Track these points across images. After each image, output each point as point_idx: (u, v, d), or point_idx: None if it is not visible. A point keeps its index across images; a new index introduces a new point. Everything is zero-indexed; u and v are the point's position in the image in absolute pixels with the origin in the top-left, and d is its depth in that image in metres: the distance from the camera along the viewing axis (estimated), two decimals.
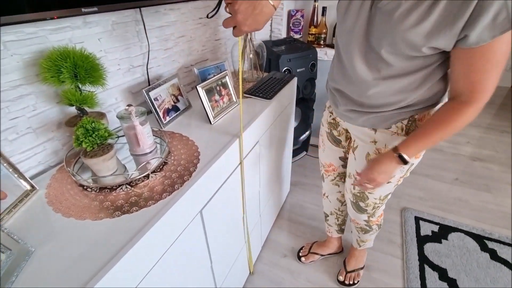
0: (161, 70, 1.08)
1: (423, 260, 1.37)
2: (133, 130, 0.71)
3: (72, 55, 0.65)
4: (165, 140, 0.82)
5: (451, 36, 0.57)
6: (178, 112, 0.99)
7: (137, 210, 0.61)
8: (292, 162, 2.07)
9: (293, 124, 1.52)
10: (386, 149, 0.81)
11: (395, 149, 0.74)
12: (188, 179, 0.69)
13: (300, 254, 1.41)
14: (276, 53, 1.57)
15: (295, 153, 2.08)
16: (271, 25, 1.95)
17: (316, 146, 2.41)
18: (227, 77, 1.03)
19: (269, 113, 1.10)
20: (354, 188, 0.98)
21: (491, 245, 1.44)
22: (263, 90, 1.16)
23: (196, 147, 0.82)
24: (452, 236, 1.50)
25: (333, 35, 1.91)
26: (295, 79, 1.36)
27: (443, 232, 1.53)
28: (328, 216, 1.30)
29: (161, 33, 1.03)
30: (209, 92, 0.94)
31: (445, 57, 0.65)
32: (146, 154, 0.76)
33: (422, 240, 1.47)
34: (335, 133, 1.00)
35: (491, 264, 1.35)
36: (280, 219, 1.65)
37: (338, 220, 1.28)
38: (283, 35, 1.97)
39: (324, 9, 1.82)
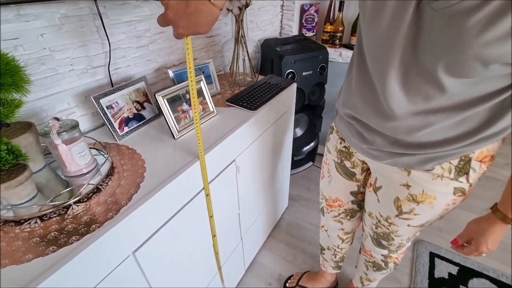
0: (132, 71, 0.95)
1: None
2: (57, 150, 0.58)
3: None
4: (109, 159, 0.69)
5: None
6: (142, 122, 0.86)
7: (53, 251, 0.48)
8: (295, 174, 1.89)
9: (291, 134, 1.34)
10: (425, 195, 0.61)
11: (503, 218, 0.56)
12: (112, 217, 0.55)
13: (287, 285, 1.24)
14: (279, 53, 1.38)
15: (299, 164, 1.89)
16: (281, 21, 1.75)
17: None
18: (201, 82, 0.87)
19: (252, 126, 0.93)
20: (377, 228, 0.79)
21: None
22: (250, 98, 0.99)
23: (144, 169, 0.68)
24: (474, 282, 1.25)
25: (351, 34, 1.67)
26: (294, 85, 1.17)
27: (463, 276, 1.27)
28: (324, 250, 1.12)
29: (130, 28, 0.89)
30: (175, 101, 0.80)
31: None
32: (78, 176, 0.64)
33: (435, 284, 1.24)
34: (347, 164, 0.79)
35: None
36: (272, 239, 1.49)
37: (335, 257, 1.10)
38: (295, 32, 1.76)
39: (341, 3, 1.59)
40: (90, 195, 0.61)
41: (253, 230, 1.24)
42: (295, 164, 1.85)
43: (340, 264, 1.13)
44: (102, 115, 0.75)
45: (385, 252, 0.85)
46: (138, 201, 0.59)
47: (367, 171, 0.79)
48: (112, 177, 0.66)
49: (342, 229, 0.97)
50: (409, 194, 0.63)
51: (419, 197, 0.61)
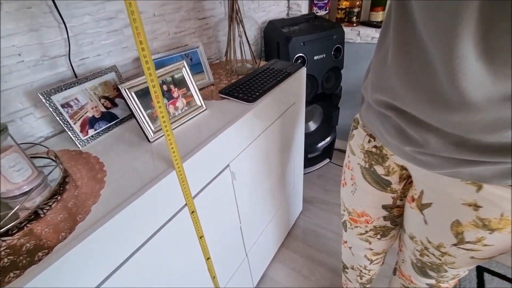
0: (105, 62, 0.79)
1: None
2: None
3: None
4: (60, 173, 0.54)
5: None
6: (114, 122, 0.70)
7: None
8: (310, 173, 1.69)
9: (302, 128, 1.14)
10: (504, 221, 0.40)
11: None
12: (41, 257, 0.39)
13: None
14: (286, 34, 1.18)
15: (314, 161, 1.68)
16: (288, 0, 1.54)
17: (342, 152, 1.96)
18: (183, 70, 0.70)
19: (249, 122, 0.75)
20: (422, 256, 0.59)
21: None
22: (248, 88, 0.81)
23: (102, 184, 0.52)
24: None
25: (372, 8, 1.43)
26: (303, 70, 0.97)
27: None
28: (347, 268, 0.92)
29: (97, 8, 0.73)
30: (148, 93, 0.63)
31: None
32: (16, 197, 0.48)
33: None
34: (379, 170, 0.59)
35: None
36: (284, 249, 1.31)
37: (361, 279, 0.90)
38: (304, 12, 1.54)
39: None
40: (25, 223, 0.45)
41: (261, 242, 1.07)
42: (309, 162, 1.65)
43: (368, 286, 0.93)
44: (56, 115, 0.59)
45: (432, 281, 0.65)
46: (80, 234, 0.43)
47: (407, 180, 0.58)
48: (60, 197, 0.50)
49: (371, 249, 0.77)
50: (477, 217, 0.42)
51: (494, 223, 0.40)
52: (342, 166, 1.84)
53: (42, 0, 0.63)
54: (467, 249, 0.47)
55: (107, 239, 0.45)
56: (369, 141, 0.58)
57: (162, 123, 0.49)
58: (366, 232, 0.73)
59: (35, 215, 0.47)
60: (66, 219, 0.46)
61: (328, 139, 1.54)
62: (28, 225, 0.45)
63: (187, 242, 0.65)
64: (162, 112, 0.48)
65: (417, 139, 0.42)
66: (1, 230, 0.43)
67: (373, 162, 0.59)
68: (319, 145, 1.52)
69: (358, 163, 0.63)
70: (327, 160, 1.75)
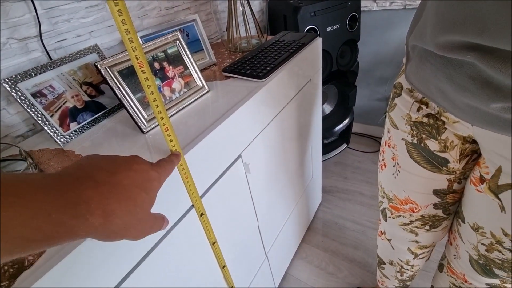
0: (88, 44, 0.67)
1: None
2: None
3: None
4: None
5: None
6: (101, 113, 0.59)
7: None
8: (326, 160, 1.57)
9: (319, 109, 1.01)
10: None
11: None
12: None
13: None
14: (293, 4, 1.04)
15: (331, 147, 1.55)
16: None
17: (361, 135, 1.81)
18: (178, 43, 0.58)
19: (261, 102, 0.62)
20: (490, 251, 0.47)
21: None
22: (256, 64, 0.68)
23: None
24: None
25: None
26: (318, 40, 0.84)
27: None
28: (384, 264, 0.80)
29: None
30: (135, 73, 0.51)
31: None
32: None
33: None
34: (432, 145, 0.46)
35: None
36: (305, 244, 1.19)
37: (402, 275, 0.78)
38: None
39: None
40: None
41: (281, 240, 0.96)
42: (325, 149, 1.52)
43: (408, 283, 0.82)
44: (26, 107, 0.48)
45: (496, 282, 0.52)
46: (52, 257, 0.32)
47: (470, 156, 0.45)
48: None
49: (417, 242, 0.64)
50: None
51: None
52: (360, 152, 1.72)
53: None
54: None
55: (98, 256, 0.35)
56: (419, 109, 0.45)
57: (154, 107, 0.37)
58: (412, 222, 0.60)
59: None
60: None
61: (346, 122, 1.40)
62: None
63: (198, 250, 0.54)
64: (153, 91, 0.36)
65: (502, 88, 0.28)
66: None
67: (423, 136, 0.47)
68: (336, 129, 1.39)
69: (402, 139, 0.50)
70: (344, 146, 1.62)
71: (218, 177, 0.55)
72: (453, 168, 0.47)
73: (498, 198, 0.40)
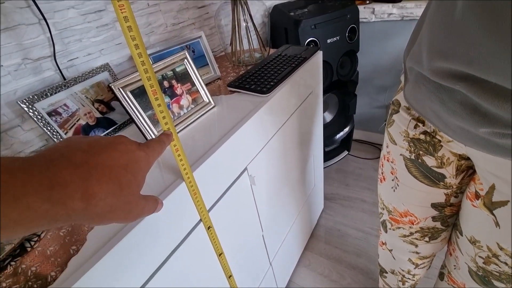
0: (98, 62, 0.70)
1: None
2: None
3: None
4: None
5: None
6: (112, 128, 0.61)
7: None
8: (327, 167, 1.59)
9: (321, 119, 1.04)
10: None
11: None
12: None
13: None
14: (294, 18, 1.07)
15: (332, 154, 1.57)
16: None
17: (361, 142, 1.83)
18: (186, 61, 0.60)
19: (266, 116, 0.65)
20: (487, 264, 0.48)
21: None
22: (260, 79, 0.71)
23: None
24: None
25: None
26: (319, 54, 0.86)
27: None
28: (386, 273, 0.82)
29: (82, 1, 0.64)
30: (144, 93, 0.53)
31: None
32: None
33: None
34: (429, 161, 0.48)
35: None
36: (308, 252, 1.21)
37: (404, 284, 0.79)
38: None
39: None
40: (9, 260, 0.37)
41: (284, 248, 0.97)
42: (326, 156, 1.54)
43: None
44: (42, 126, 0.51)
45: None
46: (73, 273, 0.34)
47: (466, 172, 0.47)
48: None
49: (417, 253, 0.66)
50: None
51: None
52: (361, 158, 1.74)
53: None
54: None
55: (108, 273, 0.37)
56: (416, 127, 0.48)
57: (163, 124, 0.39)
58: (411, 234, 0.62)
59: (20, 249, 0.38)
60: (57, 252, 0.37)
61: (346, 129, 1.42)
62: (11, 263, 0.37)
63: (205, 262, 0.56)
64: (162, 110, 0.38)
65: (501, 116, 0.31)
66: None
67: (421, 152, 0.49)
68: (337, 136, 1.41)
69: (400, 154, 0.52)
70: (345, 153, 1.64)
71: (225, 190, 0.57)
72: (449, 183, 0.49)
73: (493, 214, 0.42)
